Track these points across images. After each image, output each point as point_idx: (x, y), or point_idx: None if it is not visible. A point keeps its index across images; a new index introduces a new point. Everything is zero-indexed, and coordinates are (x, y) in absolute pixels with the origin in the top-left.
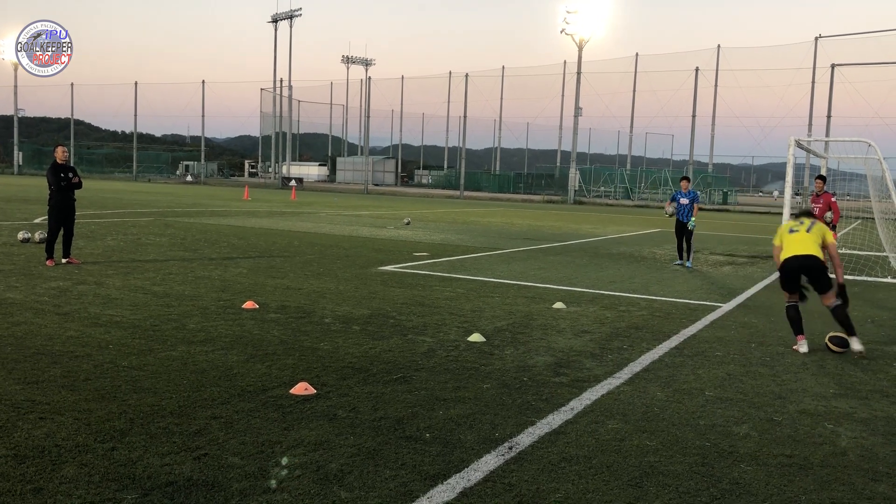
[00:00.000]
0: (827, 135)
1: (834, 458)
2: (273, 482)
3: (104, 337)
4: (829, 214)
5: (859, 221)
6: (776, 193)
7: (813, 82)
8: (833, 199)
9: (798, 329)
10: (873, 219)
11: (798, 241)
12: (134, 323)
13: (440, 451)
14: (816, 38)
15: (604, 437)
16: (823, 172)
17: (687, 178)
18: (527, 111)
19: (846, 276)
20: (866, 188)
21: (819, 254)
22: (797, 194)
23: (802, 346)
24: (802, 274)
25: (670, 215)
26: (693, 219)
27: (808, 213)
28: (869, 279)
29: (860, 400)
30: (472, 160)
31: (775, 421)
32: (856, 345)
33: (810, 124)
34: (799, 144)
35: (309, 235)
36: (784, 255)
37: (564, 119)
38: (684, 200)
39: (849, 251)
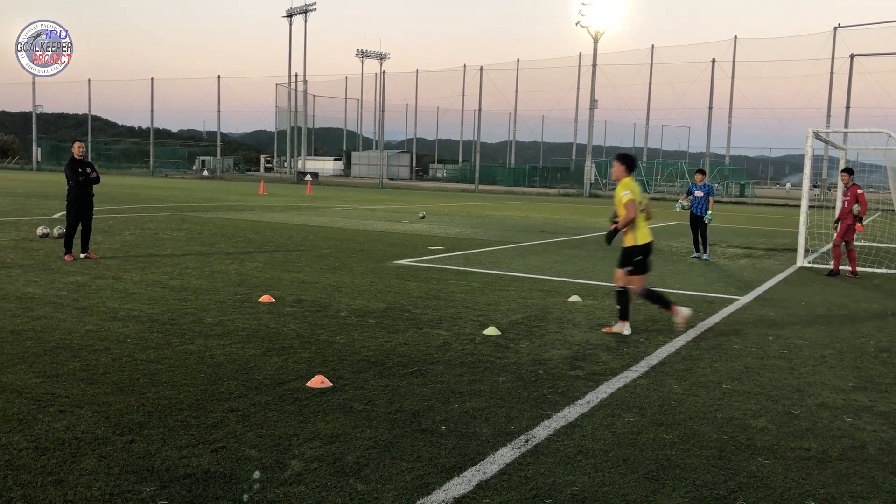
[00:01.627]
0: (846, 126)
1: (853, 451)
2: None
3: (122, 331)
4: (856, 207)
5: (879, 213)
6: (788, 186)
7: (832, 73)
8: (860, 192)
9: (624, 312)
10: (893, 210)
11: (646, 224)
12: (152, 317)
13: (456, 443)
14: (835, 28)
15: (620, 430)
16: (843, 164)
17: (702, 172)
18: (542, 104)
19: (866, 269)
20: (886, 179)
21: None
22: (815, 186)
23: (625, 329)
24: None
25: (685, 208)
26: (710, 212)
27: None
28: (890, 271)
29: (880, 393)
30: (487, 154)
31: (793, 414)
32: (683, 313)
33: (829, 115)
34: (817, 136)
35: (324, 230)
36: (643, 238)
37: (580, 112)
38: (699, 193)
39: (868, 243)
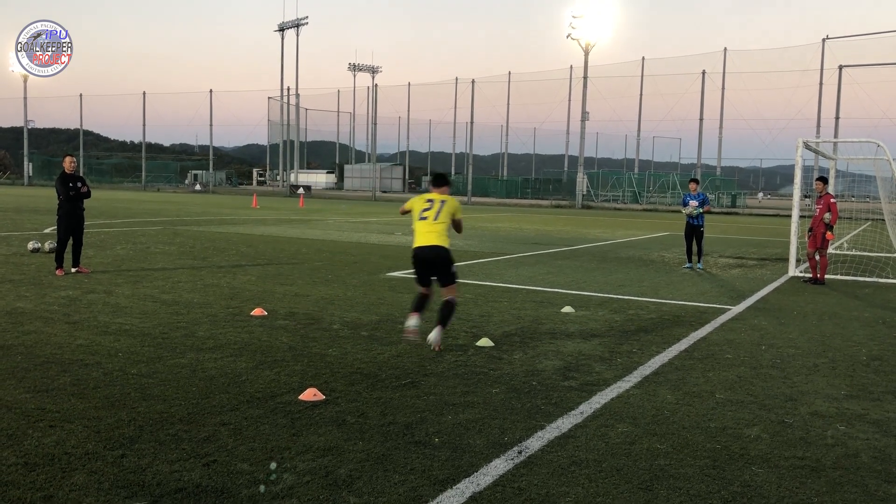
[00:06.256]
0: (835, 136)
1: (846, 459)
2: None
3: (113, 345)
4: (827, 215)
5: (869, 223)
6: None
7: (821, 84)
8: (832, 201)
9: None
10: (884, 220)
11: (426, 230)
12: (143, 331)
13: (449, 455)
14: (824, 40)
15: (613, 440)
16: (832, 174)
17: (695, 181)
18: (534, 116)
19: (857, 278)
20: (876, 189)
21: (447, 243)
22: (806, 196)
23: (412, 320)
24: (429, 267)
25: (689, 214)
26: (699, 209)
27: (441, 181)
28: (880, 280)
29: (873, 401)
30: (480, 166)
31: (786, 423)
32: (431, 334)
33: (819, 126)
34: (807, 146)
35: (317, 242)
36: (414, 243)
37: (571, 124)
38: (693, 203)
39: (859, 252)
